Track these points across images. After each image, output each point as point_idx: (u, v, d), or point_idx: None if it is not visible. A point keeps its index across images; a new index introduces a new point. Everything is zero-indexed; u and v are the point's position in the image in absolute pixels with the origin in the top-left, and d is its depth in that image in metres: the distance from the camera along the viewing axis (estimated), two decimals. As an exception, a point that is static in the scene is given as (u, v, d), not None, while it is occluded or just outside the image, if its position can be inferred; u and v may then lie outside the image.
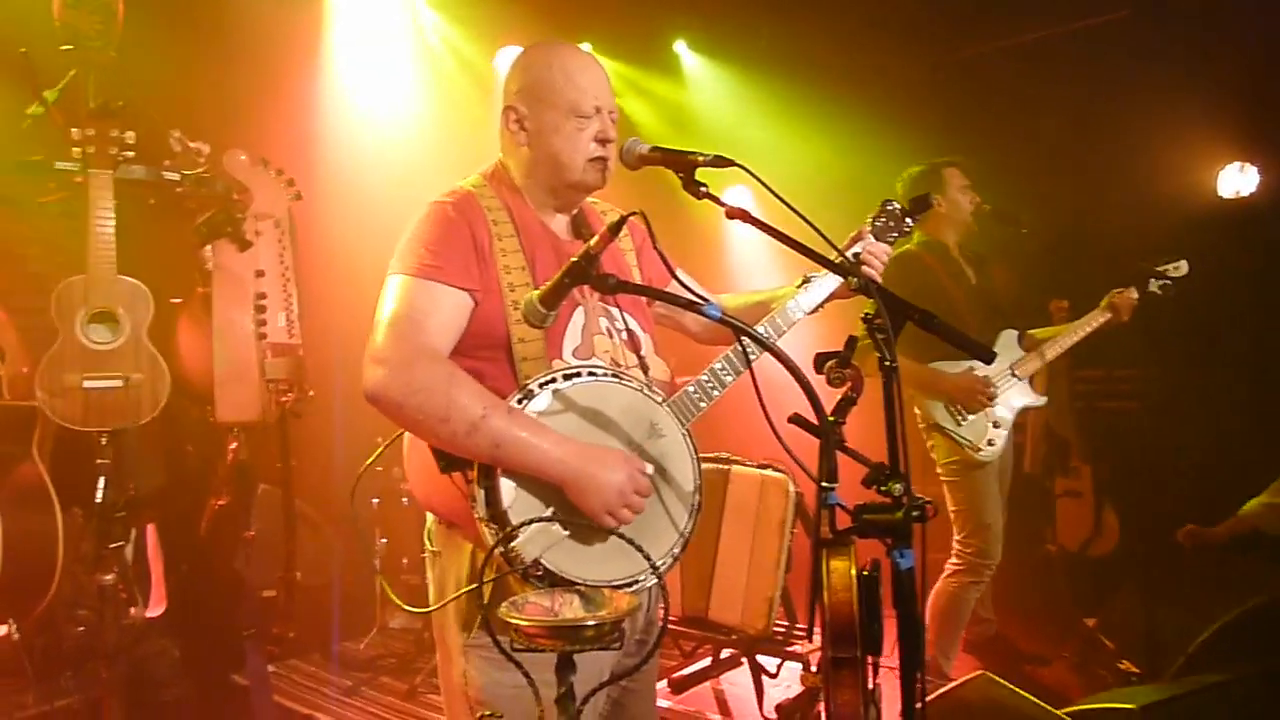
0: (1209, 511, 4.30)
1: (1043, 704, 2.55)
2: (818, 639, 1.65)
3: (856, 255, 2.13)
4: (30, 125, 3.40)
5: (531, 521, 1.64)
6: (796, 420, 1.61)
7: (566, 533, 1.69)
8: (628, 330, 1.99)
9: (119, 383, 3.13)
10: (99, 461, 3.13)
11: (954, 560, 3.78)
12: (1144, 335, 4.44)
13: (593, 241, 1.68)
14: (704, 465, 1.89)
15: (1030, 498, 5.03)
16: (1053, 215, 5.03)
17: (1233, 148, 5.16)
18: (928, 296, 3.66)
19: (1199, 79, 4.93)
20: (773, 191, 1.76)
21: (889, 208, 2.23)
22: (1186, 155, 5.15)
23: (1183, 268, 3.86)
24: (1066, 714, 2.57)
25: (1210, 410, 4.99)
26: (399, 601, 1.90)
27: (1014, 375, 3.82)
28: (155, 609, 3.72)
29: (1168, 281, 3.86)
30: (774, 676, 3.15)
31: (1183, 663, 3.26)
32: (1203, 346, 4.99)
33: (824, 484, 1.55)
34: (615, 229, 1.69)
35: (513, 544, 1.63)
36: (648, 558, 1.52)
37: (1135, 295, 3.85)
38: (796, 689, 3.05)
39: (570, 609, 1.48)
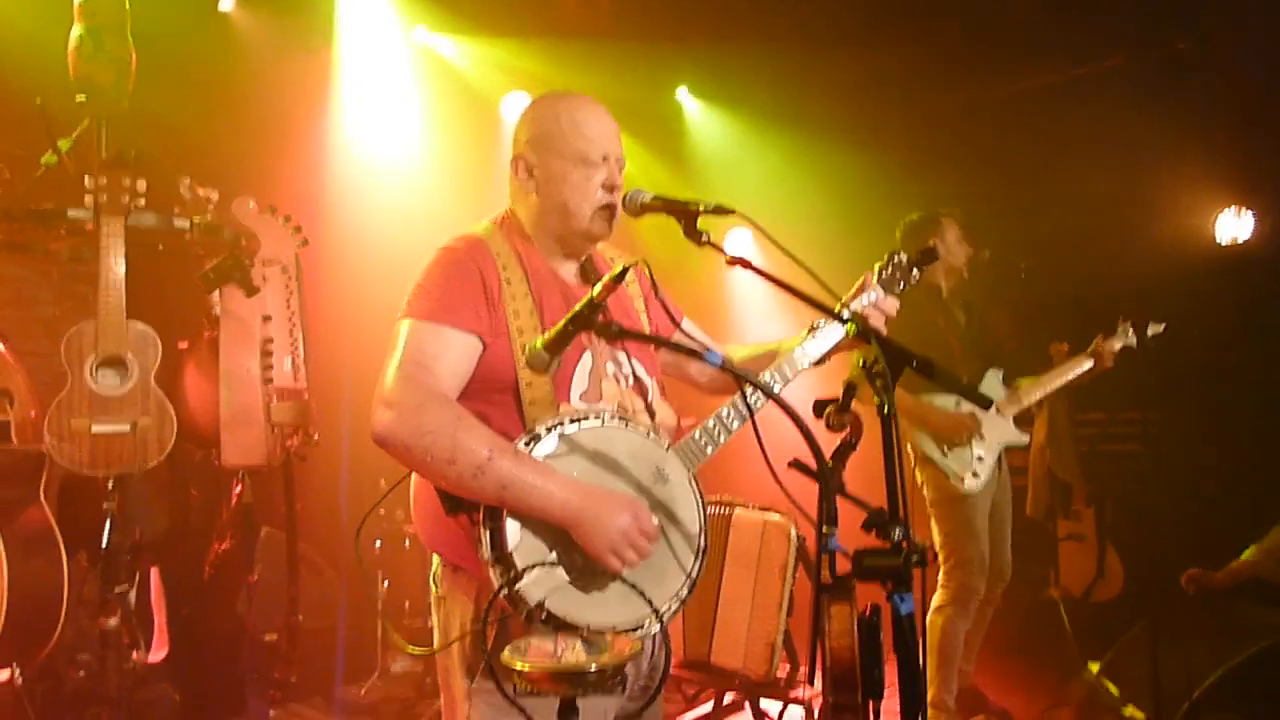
0: (1213, 555, 4.29)
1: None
2: (819, 685, 1.65)
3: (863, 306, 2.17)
4: (43, 173, 3.45)
5: (536, 566, 1.65)
6: (796, 465, 1.63)
7: (572, 576, 1.71)
8: (634, 376, 2.00)
9: (126, 427, 3.15)
10: (105, 506, 3.14)
11: (938, 595, 3.89)
12: (1145, 379, 4.47)
13: (596, 290, 1.70)
14: (707, 509, 1.91)
15: (1033, 541, 5.03)
16: (1051, 260, 5.07)
17: (1229, 193, 5.21)
18: (919, 334, 3.76)
19: (1195, 125, 4.99)
20: (773, 240, 1.79)
21: (896, 259, 2.25)
22: (1183, 201, 5.21)
23: (1158, 329, 4.06)
24: (1071, 760, 2.56)
25: (1213, 453, 5.00)
26: (403, 644, 1.90)
27: (997, 413, 3.96)
28: (158, 653, 3.71)
29: (1145, 336, 4.04)
30: (777, 722, 3.14)
31: (1187, 708, 3.24)
32: (1204, 390, 5.01)
33: (824, 529, 1.56)
34: (618, 278, 1.72)
35: (518, 586, 1.64)
36: (650, 603, 1.53)
37: (1117, 345, 4.01)
38: (799, 735, 3.04)
39: (573, 653, 1.49)
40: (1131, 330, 4.02)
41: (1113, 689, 4.13)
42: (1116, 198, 5.25)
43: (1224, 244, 5.21)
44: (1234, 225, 5.17)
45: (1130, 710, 3.94)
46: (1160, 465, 4.93)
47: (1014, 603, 5.35)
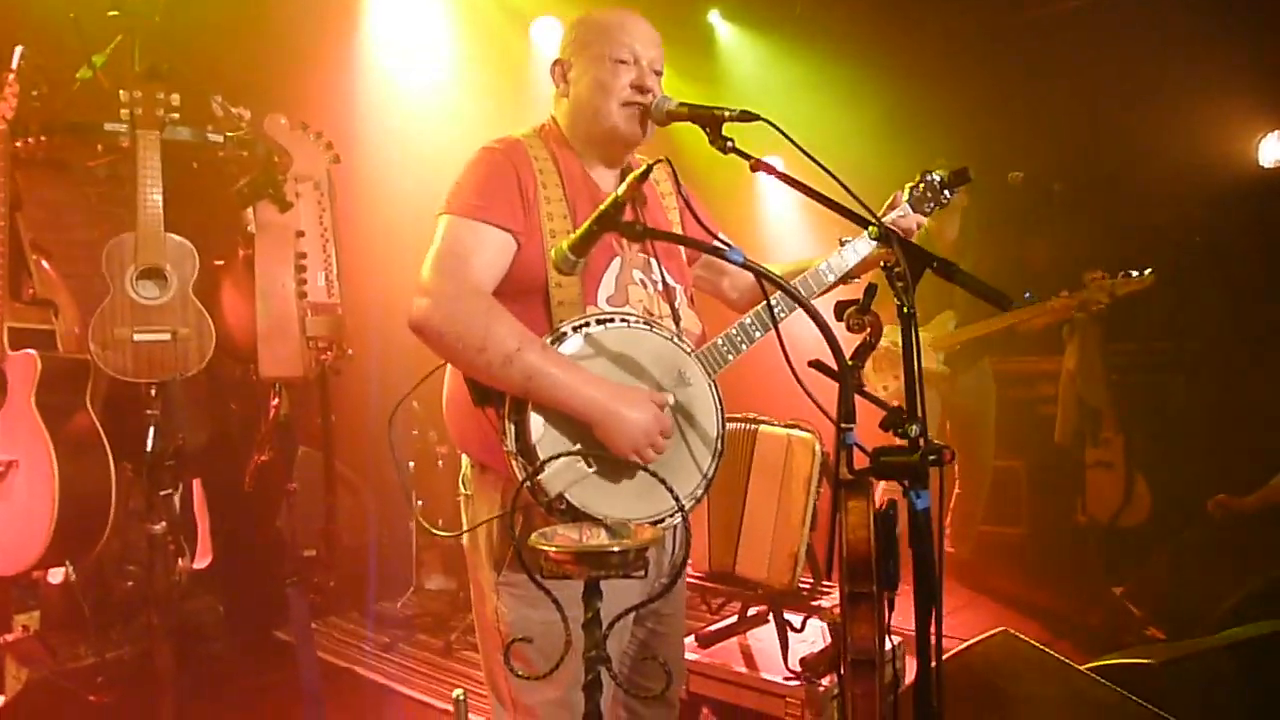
0: (1241, 481, 4.28)
1: (1064, 659, 2.58)
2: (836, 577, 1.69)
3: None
4: (79, 88, 3.49)
5: (560, 456, 1.70)
6: (816, 365, 1.66)
7: (593, 469, 1.76)
8: (663, 281, 2.03)
9: (167, 336, 3.23)
10: (148, 412, 3.24)
11: None
12: (1179, 307, 4.42)
13: (620, 189, 1.73)
14: (732, 425, 1.94)
15: (1061, 468, 5.04)
16: (1091, 183, 4.99)
17: (1273, 117, 5.09)
18: None
19: (1241, 47, 4.86)
20: (797, 145, 1.77)
21: (928, 179, 2.25)
22: (1227, 123, 5.09)
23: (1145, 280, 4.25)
24: (1088, 668, 2.59)
25: (1243, 381, 4.95)
26: (429, 527, 1.98)
27: (930, 348, 4.73)
28: (202, 561, 3.84)
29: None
30: (799, 631, 3.20)
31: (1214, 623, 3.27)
32: (1237, 318, 4.95)
33: (842, 424, 1.59)
34: (642, 176, 1.74)
35: (539, 478, 1.69)
36: (671, 490, 1.57)
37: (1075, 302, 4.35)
38: (820, 644, 3.10)
39: (597, 539, 1.55)
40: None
41: (1135, 612, 4.17)
42: (1158, 120, 5.13)
43: (1267, 167, 5.10)
44: (1278, 149, 5.06)
45: (1152, 632, 3.99)
46: (1191, 393, 4.90)
47: (1041, 528, 5.39)
